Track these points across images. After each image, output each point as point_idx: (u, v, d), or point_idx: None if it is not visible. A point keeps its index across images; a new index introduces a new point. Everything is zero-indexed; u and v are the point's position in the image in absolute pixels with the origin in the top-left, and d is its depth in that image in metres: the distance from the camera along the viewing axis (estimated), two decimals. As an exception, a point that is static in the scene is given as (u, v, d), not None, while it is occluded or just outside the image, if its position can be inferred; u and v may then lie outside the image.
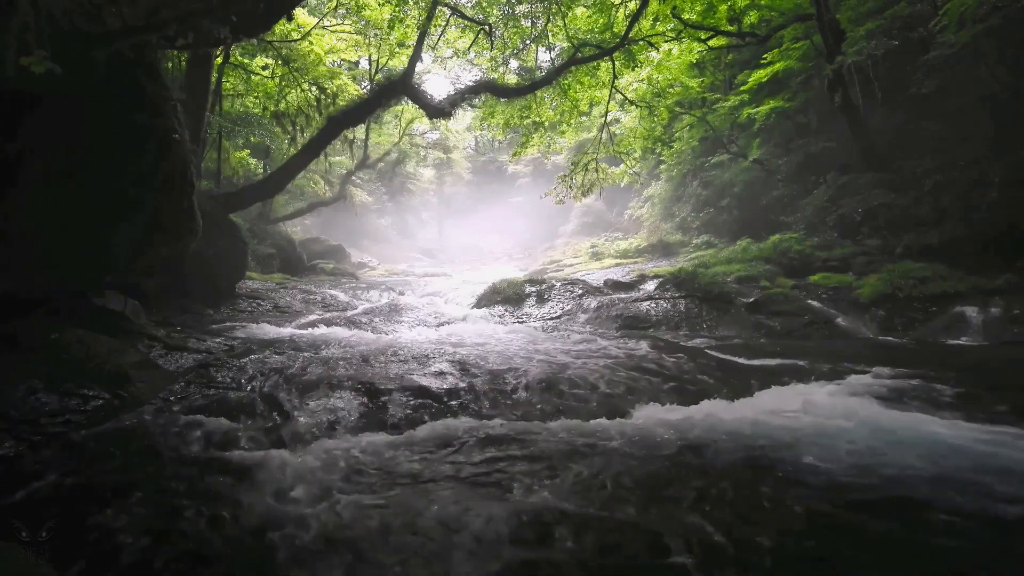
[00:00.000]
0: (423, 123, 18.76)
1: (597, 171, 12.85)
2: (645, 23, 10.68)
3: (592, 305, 7.70)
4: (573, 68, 10.80)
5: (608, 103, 12.18)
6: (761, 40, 12.07)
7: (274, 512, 2.06)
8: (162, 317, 5.85)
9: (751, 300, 7.20)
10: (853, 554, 1.83)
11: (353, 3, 11.65)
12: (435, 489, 2.24)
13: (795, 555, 1.83)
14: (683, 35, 11.22)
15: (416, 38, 10.29)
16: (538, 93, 11.55)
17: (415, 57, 9.82)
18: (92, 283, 4.71)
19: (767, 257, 9.82)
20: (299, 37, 11.48)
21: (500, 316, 7.76)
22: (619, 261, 16.81)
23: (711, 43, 12.27)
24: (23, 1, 3.04)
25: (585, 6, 11.14)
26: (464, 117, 24.77)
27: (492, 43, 11.36)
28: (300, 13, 11.40)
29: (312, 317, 7.39)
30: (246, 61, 12.44)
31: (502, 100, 11.62)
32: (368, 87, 14.74)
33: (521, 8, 11.21)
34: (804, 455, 2.48)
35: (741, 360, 4.68)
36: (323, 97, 12.55)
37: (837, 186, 10.98)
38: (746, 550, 1.82)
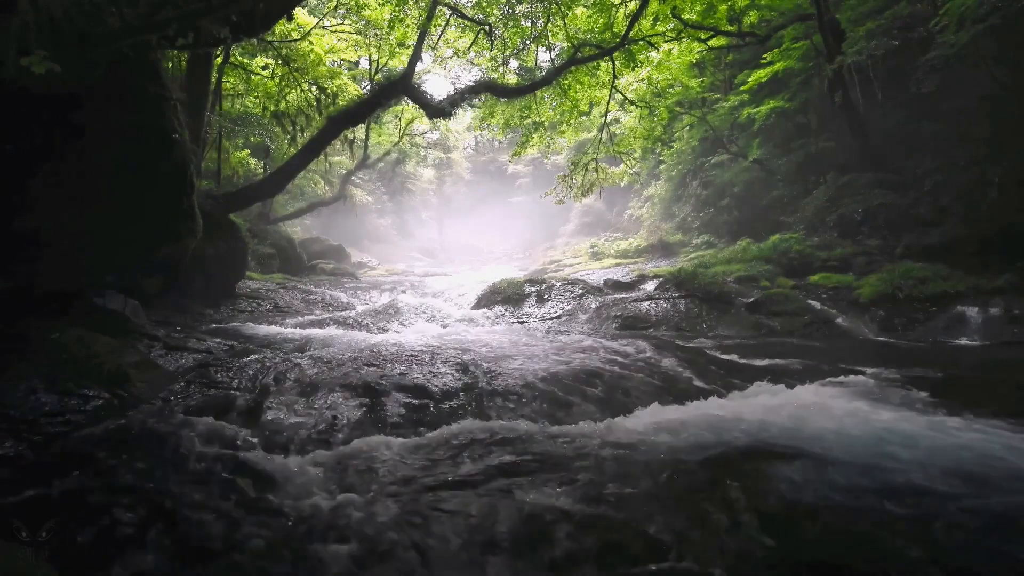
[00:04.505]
0: (423, 123, 18.74)
1: (597, 171, 12.85)
2: (645, 23, 10.67)
3: (592, 305, 7.70)
4: (573, 68, 10.79)
5: (608, 103, 12.18)
6: (761, 40, 12.07)
7: (274, 512, 2.06)
8: (162, 317, 5.85)
9: (751, 300, 7.20)
10: (851, 554, 1.83)
11: (353, 3, 11.64)
12: (435, 490, 2.24)
13: (792, 554, 1.83)
14: (683, 35, 11.21)
15: (416, 38, 10.28)
16: (538, 93, 11.54)
17: (415, 57, 9.80)
18: (92, 283, 4.71)
19: (767, 257, 9.83)
20: (299, 37, 11.47)
21: (500, 316, 7.76)
22: (619, 261, 16.82)
23: (711, 43, 12.27)
24: (23, 1, 3.04)
25: (585, 6, 11.13)
26: (464, 117, 24.82)
27: (492, 43, 11.36)
28: (300, 13, 11.39)
29: (312, 317, 7.39)
30: (246, 61, 12.43)
31: (502, 100, 11.62)
32: (368, 87, 14.73)
33: (521, 8, 11.21)
34: (803, 454, 2.48)
35: (741, 360, 4.68)
36: (323, 97, 12.54)
37: (837, 186, 10.99)
38: (744, 549, 1.82)
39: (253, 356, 4.21)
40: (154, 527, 1.96)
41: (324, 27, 12.67)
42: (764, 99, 13.19)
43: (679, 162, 17.72)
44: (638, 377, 3.88)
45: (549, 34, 11.40)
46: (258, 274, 11.14)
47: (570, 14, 10.86)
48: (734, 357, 4.78)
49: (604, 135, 12.95)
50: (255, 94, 13.16)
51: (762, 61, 12.65)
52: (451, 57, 14.10)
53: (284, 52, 11.44)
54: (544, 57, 15.28)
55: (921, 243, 8.20)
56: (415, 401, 3.35)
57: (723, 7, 11.10)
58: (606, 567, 1.77)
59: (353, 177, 20.75)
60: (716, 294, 7.42)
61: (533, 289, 8.61)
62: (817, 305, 7.02)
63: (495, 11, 11.01)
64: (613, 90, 11.77)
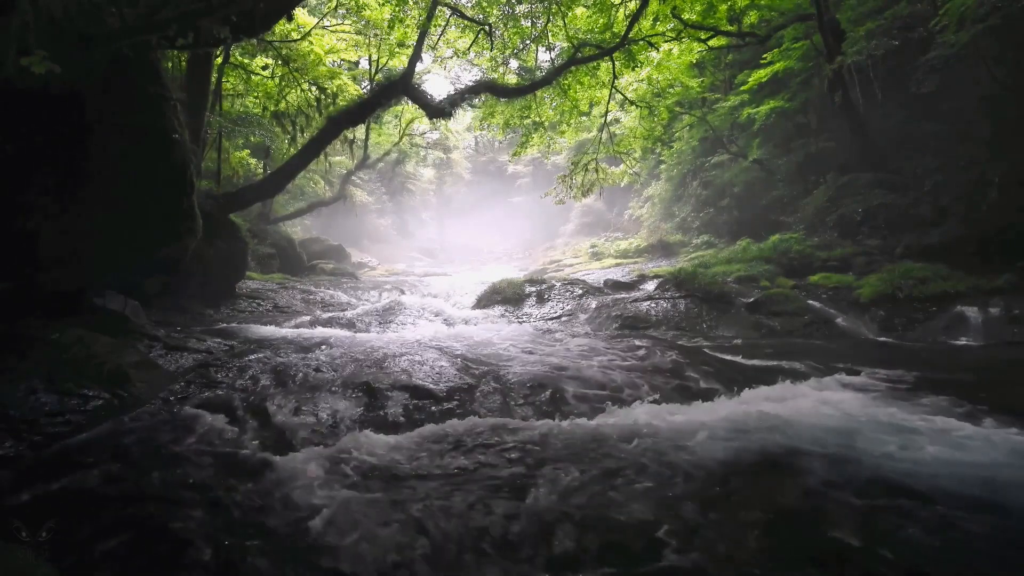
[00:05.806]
0: (423, 123, 18.73)
1: (597, 171, 12.85)
2: (645, 23, 10.67)
3: (592, 305, 7.70)
4: (573, 68, 10.78)
5: (608, 103, 12.17)
6: (761, 40, 12.06)
7: (273, 511, 2.06)
8: (162, 317, 5.85)
9: (751, 300, 7.19)
10: (848, 553, 1.83)
11: (353, 3, 11.63)
12: (436, 488, 2.24)
13: (790, 553, 1.83)
14: (683, 35, 11.21)
15: (416, 38, 10.27)
16: (538, 93, 11.54)
17: (415, 57, 9.80)
18: (92, 283, 4.71)
19: (767, 257, 9.82)
20: (299, 37, 11.46)
21: (500, 316, 7.76)
22: (619, 261, 16.82)
23: (711, 43, 12.27)
24: (23, 1, 3.04)
25: (585, 6, 11.12)
26: (464, 117, 24.79)
27: (492, 43, 11.36)
28: (300, 13, 11.39)
29: (312, 317, 7.39)
30: (246, 61, 12.42)
31: (502, 100, 11.61)
32: (368, 87, 14.73)
33: (521, 8, 11.20)
34: (802, 454, 2.48)
35: (741, 360, 4.67)
36: (323, 97, 12.53)
37: (837, 186, 10.99)
38: (743, 548, 1.82)
39: (253, 356, 4.21)
40: (154, 527, 1.96)
41: (324, 27, 12.67)
42: (764, 99, 13.18)
43: (679, 162, 17.71)
44: (637, 376, 3.88)
45: (549, 34, 11.39)
46: (258, 274, 11.13)
47: (570, 14, 10.85)
48: (734, 357, 4.78)
49: (604, 135, 12.94)
50: (255, 94, 13.15)
51: (762, 61, 12.64)
52: (451, 57, 14.10)
53: (284, 52, 11.43)
54: (544, 57, 15.30)
55: (921, 243, 8.19)
56: (415, 400, 3.35)
57: (723, 7, 11.09)
58: (606, 565, 1.77)
59: (353, 177, 20.74)
60: (716, 294, 7.41)
61: (533, 289, 8.61)
62: (817, 305, 7.01)
63: (495, 11, 11.01)
64: (613, 90, 11.76)
